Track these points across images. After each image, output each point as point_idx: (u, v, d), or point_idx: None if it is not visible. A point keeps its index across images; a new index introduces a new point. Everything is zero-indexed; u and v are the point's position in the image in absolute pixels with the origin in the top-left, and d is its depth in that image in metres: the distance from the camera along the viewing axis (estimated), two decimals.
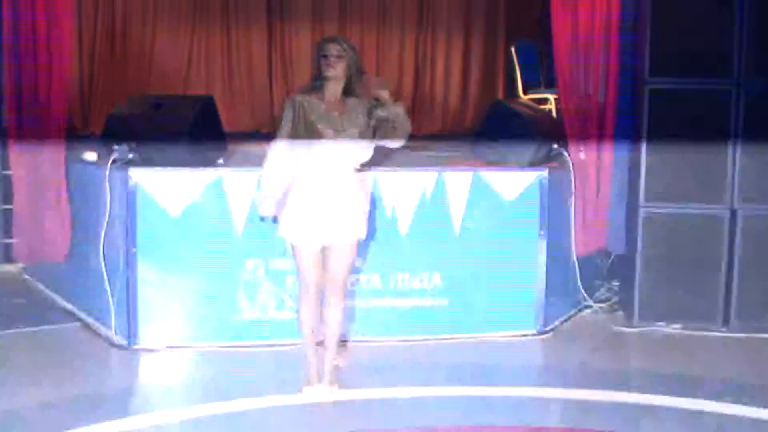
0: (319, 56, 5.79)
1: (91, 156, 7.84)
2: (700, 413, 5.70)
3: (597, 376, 6.62)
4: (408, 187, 7.23)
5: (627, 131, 8.13)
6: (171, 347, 6.93)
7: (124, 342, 6.97)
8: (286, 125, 5.76)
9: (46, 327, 7.43)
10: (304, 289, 5.93)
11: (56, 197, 7.63)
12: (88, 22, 11.74)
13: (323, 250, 5.84)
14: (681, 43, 7.50)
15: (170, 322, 6.96)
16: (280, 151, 5.78)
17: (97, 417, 5.56)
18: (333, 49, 5.77)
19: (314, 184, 5.72)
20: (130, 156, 6.98)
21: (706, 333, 7.49)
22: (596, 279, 8.46)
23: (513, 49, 11.65)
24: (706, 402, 5.89)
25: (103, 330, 7.20)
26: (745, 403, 6.01)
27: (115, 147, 7.04)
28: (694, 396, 5.83)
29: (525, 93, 11.10)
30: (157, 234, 6.87)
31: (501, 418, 5.78)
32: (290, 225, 5.78)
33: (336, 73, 5.77)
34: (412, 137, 12.55)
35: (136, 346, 6.90)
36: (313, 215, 5.72)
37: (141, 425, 5.51)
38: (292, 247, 5.89)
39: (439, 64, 13.15)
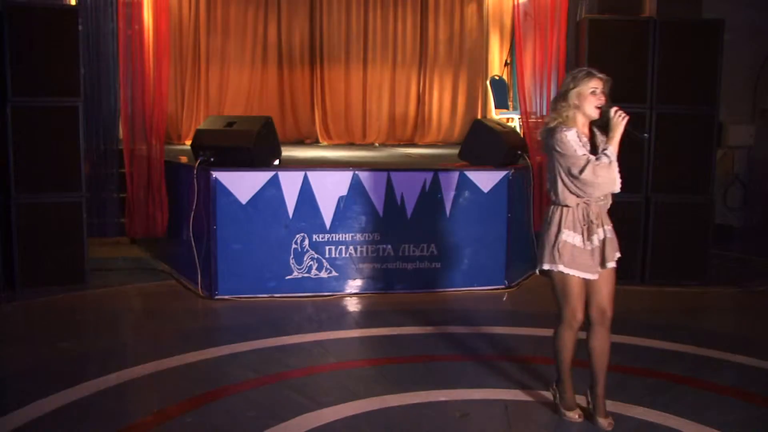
0: (582, 88, 4.26)
1: (183, 159, 7.88)
2: (624, 345, 5.69)
3: (552, 318, 6.61)
4: (412, 182, 7.23)
5: None
6: (240, 297, 6.94)
7: (207, 294, 6.99)
8: (582, 155, 4.18)
9: (151, 283, 7.49)
10: (573, 319, 4.41)
11: (158, 189, 7.69)
12: (182, 60, 11.77)
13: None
14: (611, 73, 7.45)
15: (240, 279, 6.96)
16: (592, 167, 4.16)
17: (188, 347, 5.64)
18: (603, 86, 4.30)
19: (592, 212, 4.30)
20: (212, 159, 7.00)
21: (630, 287, 7.46)
22: None
23: (488, 82, 11.62)
24: (630, 337, 5.87)
25: (192, 285, 7.23)
26: (655, 338, 6.04)
27: (201, 153, 7.07)
28: (620, 333, 5.81)
29: (497, 114, 11.07)
30: (231, 216, 6.88)
31: (482, 349, 5.80)
32: (569, 256, 4.29)
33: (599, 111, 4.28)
34: (415, 146, 12.63)
35: (216, 297, 6.93)
36: (594, 243, 4.31)
37: (220, 354, 5.58)
38: (562, 278, 4.36)
39: (435, 94, 13.13)
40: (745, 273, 8.47)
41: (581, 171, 4.16)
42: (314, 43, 12.62)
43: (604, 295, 4.41)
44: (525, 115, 8.08)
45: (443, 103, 13.13)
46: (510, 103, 11.56)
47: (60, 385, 4.84)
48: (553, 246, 4.31)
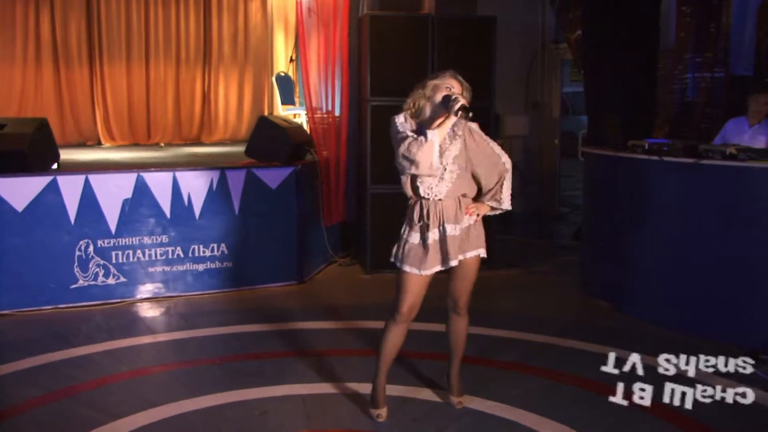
0: (439, 82, 4.32)
1: None
2: (417, 331, 5.83)
3: (344, 311, 6.73)
4: (199, 181, 7.12)
5: (356, 136, 8.29)
6: (21, 311, 6.58)
7: None
8: (403, 132, 4.26)
9: None
10: (403, 313, 4.42)
11: None
12: None
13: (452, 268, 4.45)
14: (391, 71, 7.67)
15: (20, 292, 6.58)
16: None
17: None
18: (461, 89, 4.30)
19: (432, 210, 4.32)
20: None
21: None
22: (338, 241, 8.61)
23: (274, 79, 11.64)
24: (422, 324, 5.99)
25: None
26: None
27: None
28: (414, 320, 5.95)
29: (284, 110, 11.11)
30: (6, 225, 6.49)
31: (278, 346, 5.82)
32: (408, 254, 4.34)
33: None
34: (202, 144, 12.46)
35: None
36: (428, 240, 4.31)
37: (0, 373, 5.26)
38: (401, 274, 4.39)
39: (221, 91, 13.02)
40: (526, 255, 8.98)
41: (400, 146, 4.21)
42: (92, 39, 12.15)
43: (457, 287, 4.54)
44: (310, 111, 8.15)
45: (229, 101, 13.03)
46: (296, 99, 11.63)
47: None
48: (398, 242, 4.42)
